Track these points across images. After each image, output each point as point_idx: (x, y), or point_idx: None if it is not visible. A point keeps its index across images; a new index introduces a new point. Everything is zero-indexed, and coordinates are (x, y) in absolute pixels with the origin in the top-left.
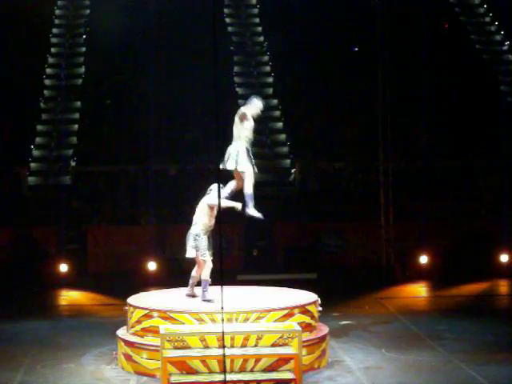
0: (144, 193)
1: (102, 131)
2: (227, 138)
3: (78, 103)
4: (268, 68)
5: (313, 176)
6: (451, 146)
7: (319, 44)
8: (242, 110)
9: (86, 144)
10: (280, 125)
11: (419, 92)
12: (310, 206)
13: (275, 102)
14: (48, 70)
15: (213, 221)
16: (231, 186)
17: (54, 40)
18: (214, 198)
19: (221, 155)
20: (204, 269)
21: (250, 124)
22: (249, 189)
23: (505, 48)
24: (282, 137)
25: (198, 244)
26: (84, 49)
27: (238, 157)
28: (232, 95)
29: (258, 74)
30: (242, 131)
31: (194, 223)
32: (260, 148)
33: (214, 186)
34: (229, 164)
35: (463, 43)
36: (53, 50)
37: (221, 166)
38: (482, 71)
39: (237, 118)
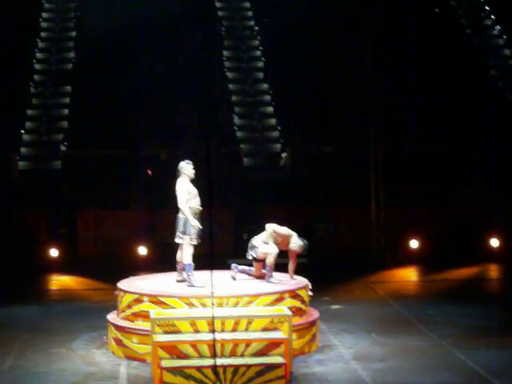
0: (135, 177)
1: (93, 116)
2: (217, 122)
3: (69, 88)
4: (258, 52)
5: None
6: (442, 131)
7: (310, 28)
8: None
9: (77, 129)
10: (270, 109)
11: (410, 75)
12: (300, 190)
13: (266, 86)
14: (38, 55)
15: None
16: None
17: (43, 24)
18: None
19: (210, 139)
20: (186, 252)
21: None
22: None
23: (495, 32)
24: (273, 121)
25: (186, 228)
26: (74, 33)
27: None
28: (223, 80)
29: (248, 58)
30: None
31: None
32: (250, 132)
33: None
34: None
35: (453, 28)
36: (43, 34)
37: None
38: (472, 55)
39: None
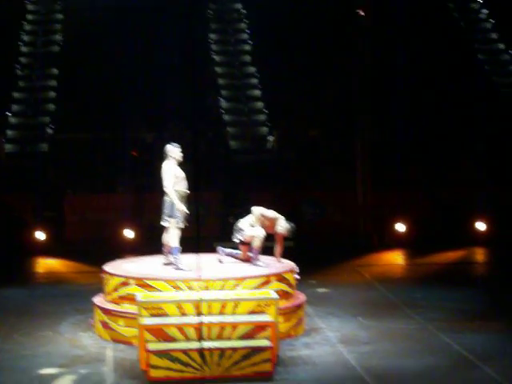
0: (121, 161)
1: (79, 99)
2: (204, 105)
3: (55, 70)
4: (245, 35)
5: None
6: (429, 114)
7: (297, 11)
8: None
9: (63, 111)
10: (257, 92)
11: (397, 60)
12: (287, 173)
13: (253, 69)
14: (24, 38)
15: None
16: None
17: (30, 7)
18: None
19: (197, 122)
20: (172, 235)
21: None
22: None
23: (482, 16)
24: (260, 104)
25: (172, 212)
26: (61, 16)
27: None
28: (210, 63)
29: (235, 41)
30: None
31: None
32: (237, 116)
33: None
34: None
35: (441, 12)
36: (29, 16)
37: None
38: (459, 39)
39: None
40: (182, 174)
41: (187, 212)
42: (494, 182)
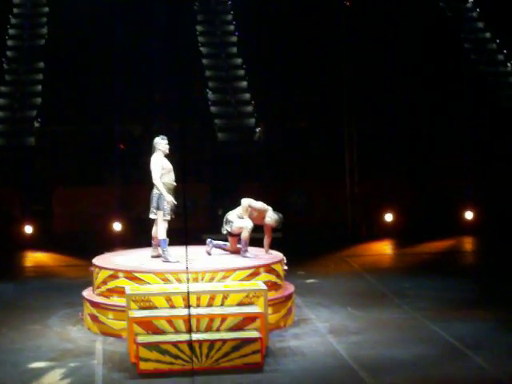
0: (109, 153)
1: (66, 92)
2: (191, 97)
3: (41, 64)
4: (232, 27)
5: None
6: (416, 103)
7: (284, 2)
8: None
9: (50, 105)
10: (244, 84)
11: (385, 50)
12: (274, 164)
13: (239, 60)
14: (10, 31)
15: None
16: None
17: (16, 0)
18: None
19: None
20: (160, 228)
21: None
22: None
23: (468, 5)
24: (247, 96)
25: (160, 204)
26: (47, 9)
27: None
28: (196, 54)
29: (221, 32)
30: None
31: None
32: (224, 107)
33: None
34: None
35: (427, 1)
36: (15, 10)
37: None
38: (446, 29)
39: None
40: (169, 165)
41: (175, 203)
42: (482, 170)
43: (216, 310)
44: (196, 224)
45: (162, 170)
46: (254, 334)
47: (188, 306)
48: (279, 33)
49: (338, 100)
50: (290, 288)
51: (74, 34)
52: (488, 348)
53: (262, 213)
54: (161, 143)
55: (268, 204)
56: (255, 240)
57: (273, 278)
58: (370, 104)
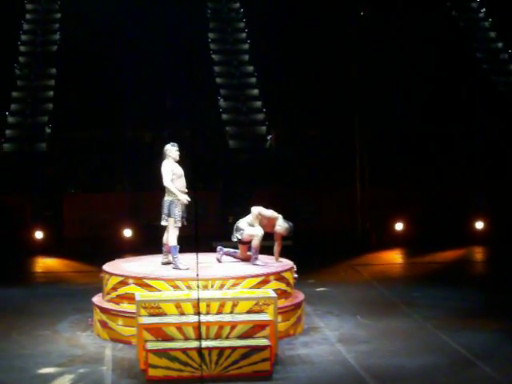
0: (120, 159)
1: (78, 98)
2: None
3: (54, 70)
4: (244, 35)
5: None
6: (427, 112)
7: (295, 10)
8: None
9: (62, 111)
10: (256, 91)
11: (396, 57)
12: (285, 172)
13: (251, 68)
14: (23, 37)
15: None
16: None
17: (28, 6)
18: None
19: (194, 121)
20: (171, 235)
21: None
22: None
23: (481, 15)
24: (258, 104)
25: (171, 211)
26: (59, 15)
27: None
28: (208, 62)
29: (233, 40)
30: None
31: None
32: (236, 115)
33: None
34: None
35: (439, 10)
36: (28, 16)
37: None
38: (459, 38)
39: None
40: (180, 171)
41: (189, 200)
42: (492, 180)
43: (226, 318)
44: (206, 231)
45: (172, 175)
46: (264, 342)
47: (198, 313)
48: (291, 41)
49: (349, 108)
50: (299, 296)
51: (86, 41)
52: (497, 357)
53: (272, 221)
54: (171, 150)
55: (278, 212)
56: (265, 248)
57: (283, 285)
58: (382, 113)
